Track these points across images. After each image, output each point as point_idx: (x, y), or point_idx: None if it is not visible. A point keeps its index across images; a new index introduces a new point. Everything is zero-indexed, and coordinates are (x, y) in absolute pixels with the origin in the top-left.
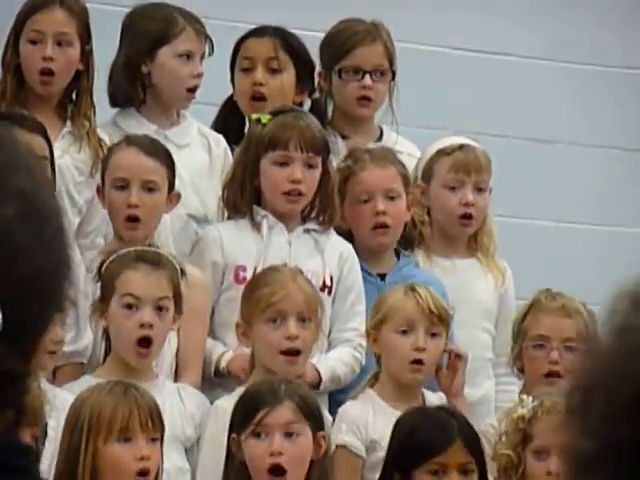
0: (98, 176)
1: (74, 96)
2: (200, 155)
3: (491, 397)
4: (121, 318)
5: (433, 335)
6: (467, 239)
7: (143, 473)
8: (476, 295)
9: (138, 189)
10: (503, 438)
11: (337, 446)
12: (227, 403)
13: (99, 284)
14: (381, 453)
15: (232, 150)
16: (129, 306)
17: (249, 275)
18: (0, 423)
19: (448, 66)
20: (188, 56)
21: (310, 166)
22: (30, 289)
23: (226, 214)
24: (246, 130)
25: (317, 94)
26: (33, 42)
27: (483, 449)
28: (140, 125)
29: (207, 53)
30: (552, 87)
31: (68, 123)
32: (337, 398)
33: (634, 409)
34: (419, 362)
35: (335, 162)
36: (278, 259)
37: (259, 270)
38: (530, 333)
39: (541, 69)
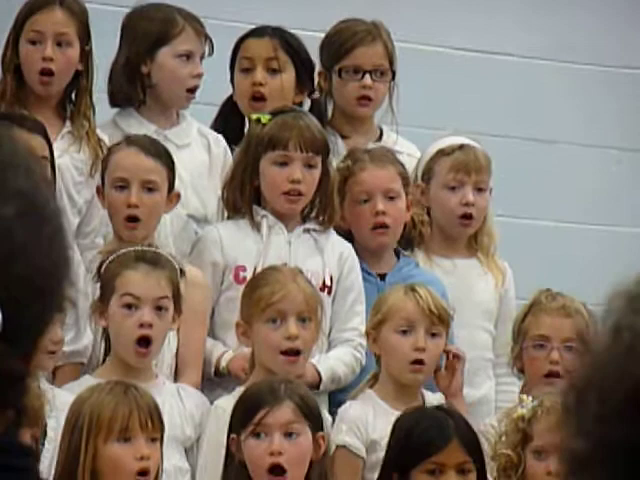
0: (98, 176)
1: (74, 96)
2: (200, 155)
3: (491, 397)
4: (121, 318)
5: (433, 335)
6: (467, 239)
7: (143, 473)
8: (476, 295)
9: (138, 189)
10: (503, 438)
11: (337, 446)
12: (227, 403)
13: (99, 284)
14: (381, 453)
15: (232, 150)
16: (129, 306)
17: (249, 275)
18: (0, 423)
19: (448, 66)
20: (188, 56)
21: (310, 166)
22: (30, 289)
23: (226, 214)
24: (246, 130)
25: (317, 94)
26: (33, 42)
27: (481, 449)
28: (140, 125)
29: (207, 53)
30: (552, 87)
31: (68, 123)
32: (337, 398)
33: (628, 409)
34: (419, 362)
35: (335, 162)
36: (278, 259)
37: (259, 270)
38: (530, 333)
39: (541, 69)
